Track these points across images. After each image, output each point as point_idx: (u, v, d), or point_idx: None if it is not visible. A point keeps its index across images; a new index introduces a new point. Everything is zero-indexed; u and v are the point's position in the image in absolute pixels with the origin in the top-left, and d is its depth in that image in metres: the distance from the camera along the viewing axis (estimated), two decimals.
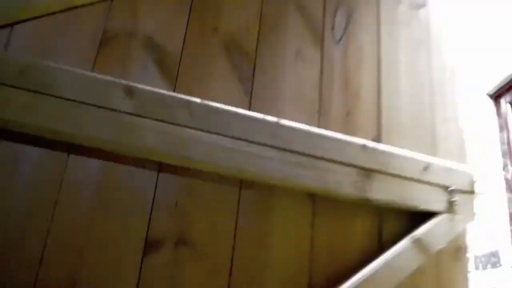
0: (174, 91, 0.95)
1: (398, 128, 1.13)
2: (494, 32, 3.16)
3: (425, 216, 1.02)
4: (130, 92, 0.86)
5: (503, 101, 3.05)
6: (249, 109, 1.00)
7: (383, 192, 0.99)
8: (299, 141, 0.96)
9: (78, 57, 0.91)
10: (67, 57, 0.90)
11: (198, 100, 0.91)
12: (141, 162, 0.87)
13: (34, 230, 0.78)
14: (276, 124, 0.96)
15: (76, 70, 0.84)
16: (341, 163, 0.98)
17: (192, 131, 0.88)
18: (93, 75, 0.85)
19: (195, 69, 0.99)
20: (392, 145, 1.08)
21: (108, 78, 0.86)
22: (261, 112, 0.97)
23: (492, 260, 2.70)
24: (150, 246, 0.83)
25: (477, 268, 2.81)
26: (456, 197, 1.04)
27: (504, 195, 2.80)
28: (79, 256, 0.78)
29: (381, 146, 1.04)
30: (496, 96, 3.11)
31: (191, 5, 1.05)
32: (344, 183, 0.96)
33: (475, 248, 2.86)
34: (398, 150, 1.06)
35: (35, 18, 0.90)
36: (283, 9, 1.14)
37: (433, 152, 1.12)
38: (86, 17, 0.94)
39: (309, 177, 0.95)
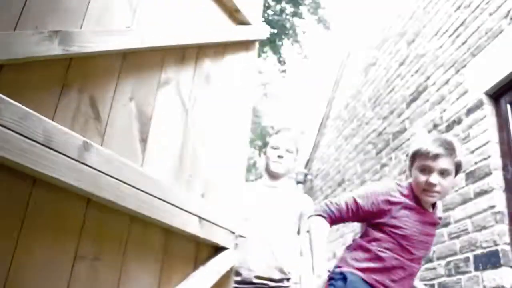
0: (101, 145, 1.28)
1: (214, 187, 1.76)
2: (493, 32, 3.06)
3: (221, 249, 1.67)
4: (86, 147, 1.17)
5: (503, 101, 2.95)
6: (142, 165, 1.42)
7: (204, 233, 1.59)
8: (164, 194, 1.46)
9: (41, 104, 1.13)
10: (33, 103, 1.11)
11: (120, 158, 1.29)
12: (76, 197, 1.18)
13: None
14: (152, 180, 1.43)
15: (61, 127, 1.09)
16: (187, 211, 1.53)
17: (102, 174, 1.25)
18: (64, 129, 1.12)
19: (115, 130, 1.34)
20: (209, 200, 1.70)
21: (72, 132, 1.14)
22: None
23: (492, 260, 2.63)
24: (77, 260, 1.16)
25: (477, 268, 2.77)
26: (237, 239, 1.75)
27: (504, 195, 2.75)
28: (36, 267, 1.05)
29: (206, 202, 1.65)
30: (496, 96, 3.01)
31: (118, 78, 1.38)
32: (189, 226, 1.51)
33: (475, 248, 2.82)
34: (214, 205, 1.68)
35: (16, 64, 1.07)
36: None
37: (230, 205, 1.80)
38: (52, 70, 1.17)
39: (168, 219, 1.45)
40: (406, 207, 1.72)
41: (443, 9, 3.99)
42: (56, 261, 1.11)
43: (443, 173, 1.63)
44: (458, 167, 1.68)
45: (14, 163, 1.00)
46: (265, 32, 2.34)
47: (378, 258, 1.69)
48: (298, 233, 2.29)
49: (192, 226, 1.53)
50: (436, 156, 1.62)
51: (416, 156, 1.70)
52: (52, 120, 1.14)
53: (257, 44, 2.31)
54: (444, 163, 1.61)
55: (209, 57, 1.88)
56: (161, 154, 1.52)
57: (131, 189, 1.31)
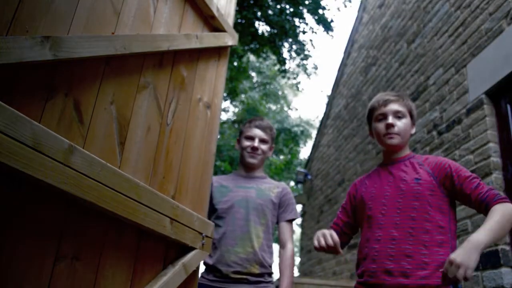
0: (83, 148, 1.32)
1: (184, 190, 1.83)
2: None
3: (190, 249, 1.75)
4: (71, 150, 1.20)
5: (503, 101, 2.91)
6: (119, 167, 1.46)
7: (175, 233, 1.65)
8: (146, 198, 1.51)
9: (29, 107, 1.15)
10: (21, 106, 1.13)
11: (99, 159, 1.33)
12: (58, 199, 1.21)
13: None
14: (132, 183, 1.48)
15: (48, 131, 1.12)
16: (160, 212, 1.59)
17: (84, 177, 1.29)
18: (51, 133, 1.15)
19: (96, 133, 1.38)
20: (180, 202, 1.76)
21: (58, 136, 1.17)
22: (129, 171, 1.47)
23: (492, 260, 2.61)
24: (57, 260, 1.19)
25: (477, 268, 2.74)
26: (204, 240, 1.83)
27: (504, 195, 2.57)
28: (20, 265, 1.08)
29: (177, 203, 1.71)
30: (496, 96, 2.96)
31: (100, 82, 1.42)
32: (161, 226, 1.57)
33: None
34: (184, 207, 1.75)
35: (7, 68, 1.09)
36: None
37: (199, 207, 1.88)
38: (40, 74, 1.19)
39: (141, 219, 1.51)
40: (363, 179, 2.01)
41: (443, 9, 4.02)
42: (38, 260, 1.14)
43: (397, 115, 1.77)
44: (411, 112, 1.82)
45: (4, 166, 1.03)
46: (236, 39, 2.42)
47: (362, 251, 1.80)
48: (278, 222, 2.26)
49: (163, 227, 1.59)
50: (386, 102, 1.78)
51: (371, 112, 1.86)
52: (39, 123, 1.17)
53: (229, 50, 2.39)
54: (395, 106, 1.76)
55: (184, 62, 1.94)
56: (137, 156, 1.57)
57: (110, 191, 1.35)
